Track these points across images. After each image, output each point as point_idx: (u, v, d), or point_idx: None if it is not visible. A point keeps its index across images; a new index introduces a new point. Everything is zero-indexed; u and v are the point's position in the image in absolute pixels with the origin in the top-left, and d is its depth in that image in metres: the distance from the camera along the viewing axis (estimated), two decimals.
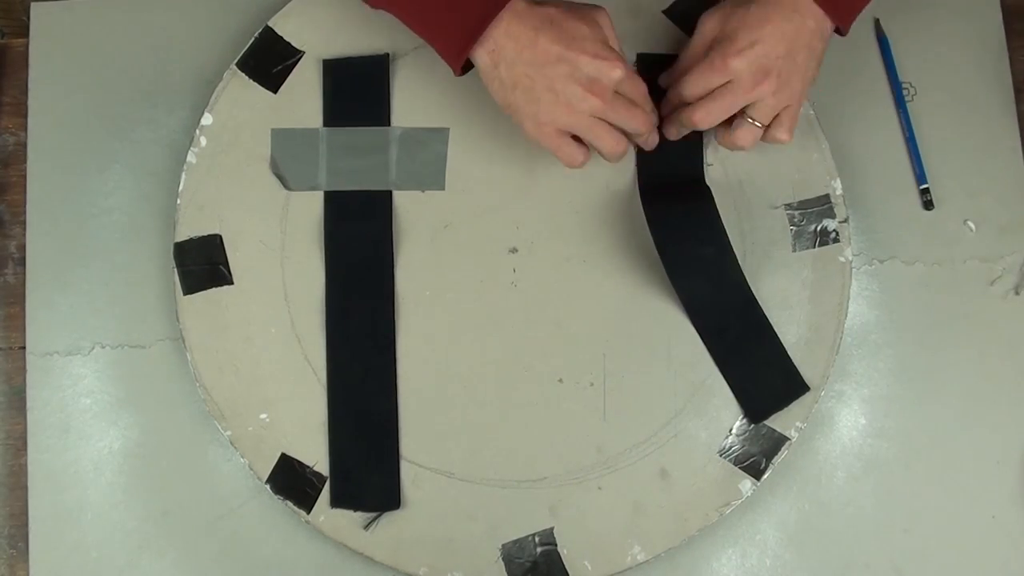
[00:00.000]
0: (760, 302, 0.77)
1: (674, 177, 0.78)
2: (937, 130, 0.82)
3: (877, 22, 0.83)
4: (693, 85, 0.72)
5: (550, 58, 0.68)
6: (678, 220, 0.76)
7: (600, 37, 0.69)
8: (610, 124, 0.71)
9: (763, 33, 0.69)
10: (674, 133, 0.76)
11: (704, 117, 0.71)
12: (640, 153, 0.79)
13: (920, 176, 0.81)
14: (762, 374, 0.76)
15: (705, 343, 0.77)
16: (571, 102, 0.69)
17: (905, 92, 0.82)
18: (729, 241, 0.75)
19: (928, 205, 0.80)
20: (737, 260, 0.76)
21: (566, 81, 0.68)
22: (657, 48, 0.81)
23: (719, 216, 0.74)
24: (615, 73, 0.68)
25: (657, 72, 0.79)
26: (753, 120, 0.72)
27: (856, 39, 0.79)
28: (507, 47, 0.68)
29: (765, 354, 0.76)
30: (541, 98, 0.69)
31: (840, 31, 0.72)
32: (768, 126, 0.73)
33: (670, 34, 0.81)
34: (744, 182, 0.79)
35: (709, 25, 0.73)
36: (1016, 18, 0.84)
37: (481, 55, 0.69)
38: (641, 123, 0.72)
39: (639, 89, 0.72)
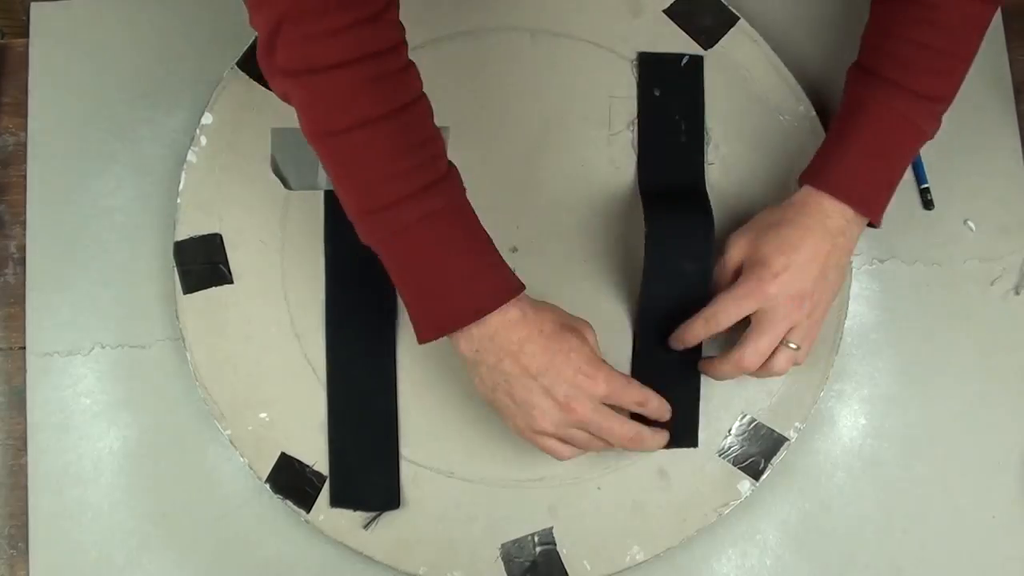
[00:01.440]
0: None
1: (674, 180, 0.78)
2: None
3: None
4: (726, 312, 0.70)
5: (530, 372, 0.66)
6: (674, 226, 0.75)
7: (588, 350, 0.68)
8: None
9: (798, 257, 0.69)
10: (721, 373, 0.73)
11: (754, 360, 0.70)
12: (641, 154, 0.79)
13: (920, 176, 0.81)
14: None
15: (634, 347, 0.77)
16: (548, 417, 0.67)
17: None
18: (712, 266, 0.74)
19: (928, 205, 0.80)
20: (709, 288, 0.75)
21: (543, 397, 0.66)
22: (657, 48, 0.81)
23: (713, 238, 0.74)
24: (597, 391, 0.67)
25: (657, 72, 0.79)
26: (789, 343, 0.70)
27: (856, 39, 0.78)
28: (489, 352, 0.66)
29: (678, 392, 0.74)
30: (520, 407, 0.67)
31: (873, 224, 0.72)
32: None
33: (670, 33, 0.81)
34: (744, 181, 0.79)
35: (738, 248, 0.72)
36: (1016, 18, 0.84)
37: (463, 347, 0.67)
38: (621, 437, 0.68)
39: (629, 396, 0.69)
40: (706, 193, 0.78)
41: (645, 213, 0.75)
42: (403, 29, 0.65)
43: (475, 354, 0.67)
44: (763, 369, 0.71)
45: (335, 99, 0.63)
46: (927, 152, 0.81)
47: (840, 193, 0.70)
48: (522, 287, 0.68)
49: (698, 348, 0.75)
